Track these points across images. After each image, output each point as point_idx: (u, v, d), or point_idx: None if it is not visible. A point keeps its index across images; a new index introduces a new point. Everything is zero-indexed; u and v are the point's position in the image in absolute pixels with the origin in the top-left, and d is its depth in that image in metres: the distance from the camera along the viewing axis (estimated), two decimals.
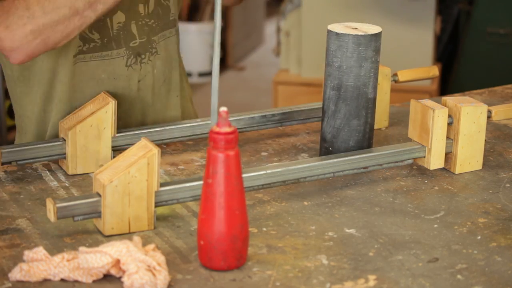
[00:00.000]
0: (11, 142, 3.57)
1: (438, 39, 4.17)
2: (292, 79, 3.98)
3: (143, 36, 1.76)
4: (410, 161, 1.65)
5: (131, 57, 1.75)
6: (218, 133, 1.26)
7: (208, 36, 5.70)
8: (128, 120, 1.79)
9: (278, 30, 4.40)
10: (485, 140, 1.84)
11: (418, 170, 1.68)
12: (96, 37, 1.70)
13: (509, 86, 2.26)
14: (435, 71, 1.96)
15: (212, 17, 5.75)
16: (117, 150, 1.66)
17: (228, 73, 6.05)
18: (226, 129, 1.26)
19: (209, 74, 5.82)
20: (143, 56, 1.77)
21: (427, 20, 3.80)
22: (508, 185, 1.63)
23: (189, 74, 5.38)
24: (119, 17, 1.72)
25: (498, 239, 1.41)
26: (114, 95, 1.74)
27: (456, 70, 4.13)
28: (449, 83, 4.17)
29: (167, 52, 1.82)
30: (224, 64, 6.08)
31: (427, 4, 3.78)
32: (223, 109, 1.26)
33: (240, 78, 5.95)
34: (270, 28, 6.93)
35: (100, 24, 1.70)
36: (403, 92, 3.45)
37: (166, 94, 1.84)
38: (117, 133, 1.66)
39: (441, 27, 4.19)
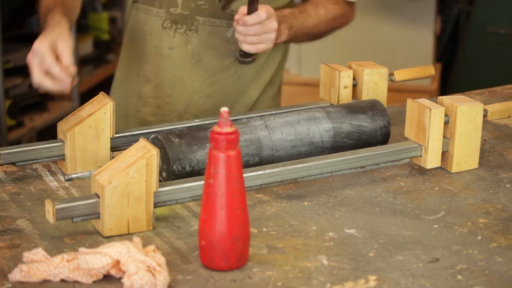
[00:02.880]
0: (11, 142, 3.58)
1: (438, 39, 4.17)
2: (292, 79, 3.98)
3: (186, 10, 1.84)
4: (407, 160, 1.65)
5: (168, 21, 1.85)
6: (219, 133, 1.26)
7: None
8: (157, 84, 1.91)
9: None
10: (486, 140, 1.84)
11: (418, 170, 1.68)
12: None
13: (509, 86, 2.26)
14: (431, 70, 1.96)
15: None
16: (115, 151, 1.66)
17: None
18: (227, 129, 1.26)
19: None
20: (179, 26, 1.85)
21: (427, 20, 3.80)
22: (508, 185, 1.63)
23: None
24: None
25: (498, 239, 1.41)
26: (147, 52, 1.89)
27: (456, 70, 4.13)
28: (449, 83, 4.17)
29: (210, 38, 1.87)
30: None
31: (427, 4, 3.78)
32: (224, 109, 1.26)
33: None
34: None
35: None
36: (403, 92, 3.44)
37: (199, 77, 1.88)
38: (116, 134, 1.66)
39: (441, 27, 4.19)
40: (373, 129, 1.70)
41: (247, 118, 1.69)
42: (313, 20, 1.90)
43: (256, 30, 1.72)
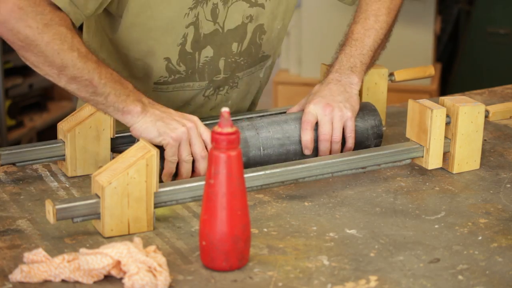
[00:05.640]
0: (11, 143, 3.57)
1: (438, 39, 4.17)
2: (292, 79, 3.98)
3: (228, 72, 1.77)
4: (408, 161, 1.65)
5: (211, 89, 1.77)
6: (220, 133, 1.26)
7: None
8: None
9: None
10: (486, 140, 1.84)
11: (418, 170, 1.68)
12: (182, 69, 1.71)
13: (509, 86, 2.26)
14: (431, 70, 1.97)
15: None
16: (116, 151, 1.66)
17: None
18: (228, 130, 1.26)
19: None
20: (221, 89, 1.79)
21: (427, 20, 3.79)
22: (508, 185, 1.63)
23: None
24: (207, 51, 1.72)
25: (499, 239, 1.41)
26: None
27: (456, 70, 4.13)
28: (449, 83, 4.17)
29: (247, 86, 1.84)
30: None
31: (427, 4, 3.78)
32: (225, 109, 1.26)
33: None
34: None
35: (188, 57, 1.70)
36: (403, 92, 3.44)
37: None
38: (116, 134, 1.66)
39: (441, 27, 4.19)
40: (365, 128, 1.69)
41: (234, 119, 1.69)
42: (371, 38, 1.81)
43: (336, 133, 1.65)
